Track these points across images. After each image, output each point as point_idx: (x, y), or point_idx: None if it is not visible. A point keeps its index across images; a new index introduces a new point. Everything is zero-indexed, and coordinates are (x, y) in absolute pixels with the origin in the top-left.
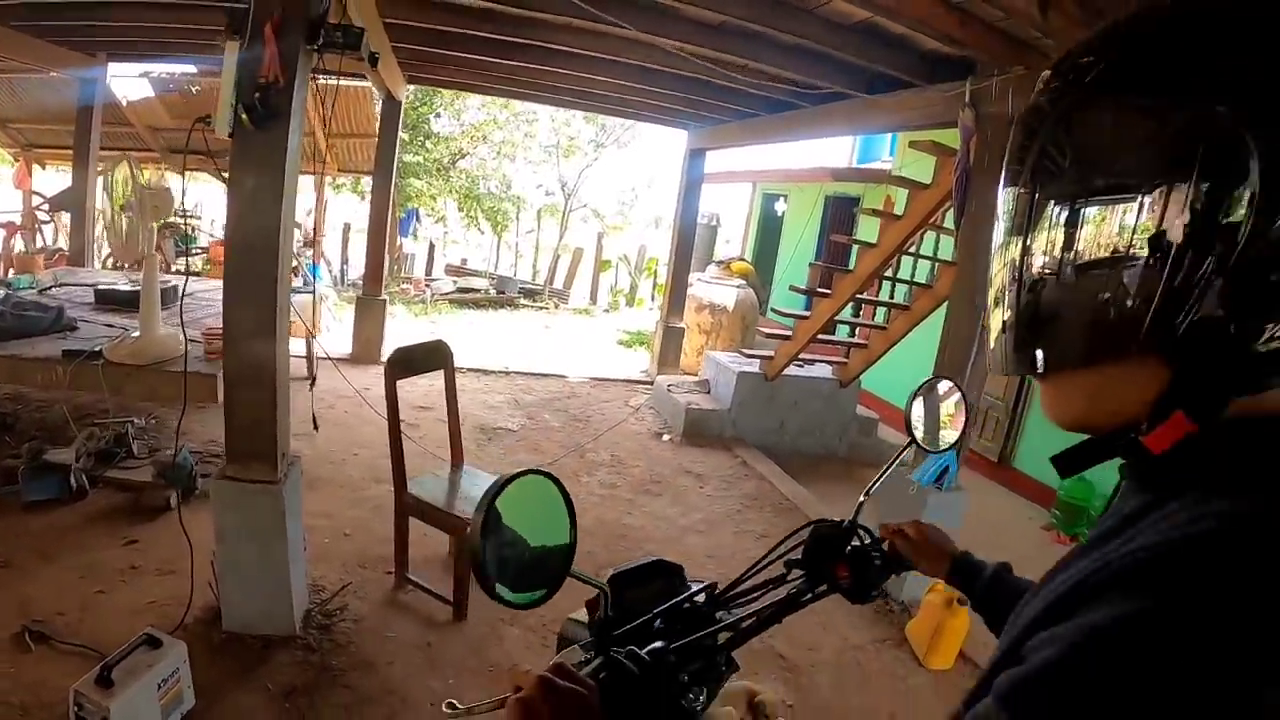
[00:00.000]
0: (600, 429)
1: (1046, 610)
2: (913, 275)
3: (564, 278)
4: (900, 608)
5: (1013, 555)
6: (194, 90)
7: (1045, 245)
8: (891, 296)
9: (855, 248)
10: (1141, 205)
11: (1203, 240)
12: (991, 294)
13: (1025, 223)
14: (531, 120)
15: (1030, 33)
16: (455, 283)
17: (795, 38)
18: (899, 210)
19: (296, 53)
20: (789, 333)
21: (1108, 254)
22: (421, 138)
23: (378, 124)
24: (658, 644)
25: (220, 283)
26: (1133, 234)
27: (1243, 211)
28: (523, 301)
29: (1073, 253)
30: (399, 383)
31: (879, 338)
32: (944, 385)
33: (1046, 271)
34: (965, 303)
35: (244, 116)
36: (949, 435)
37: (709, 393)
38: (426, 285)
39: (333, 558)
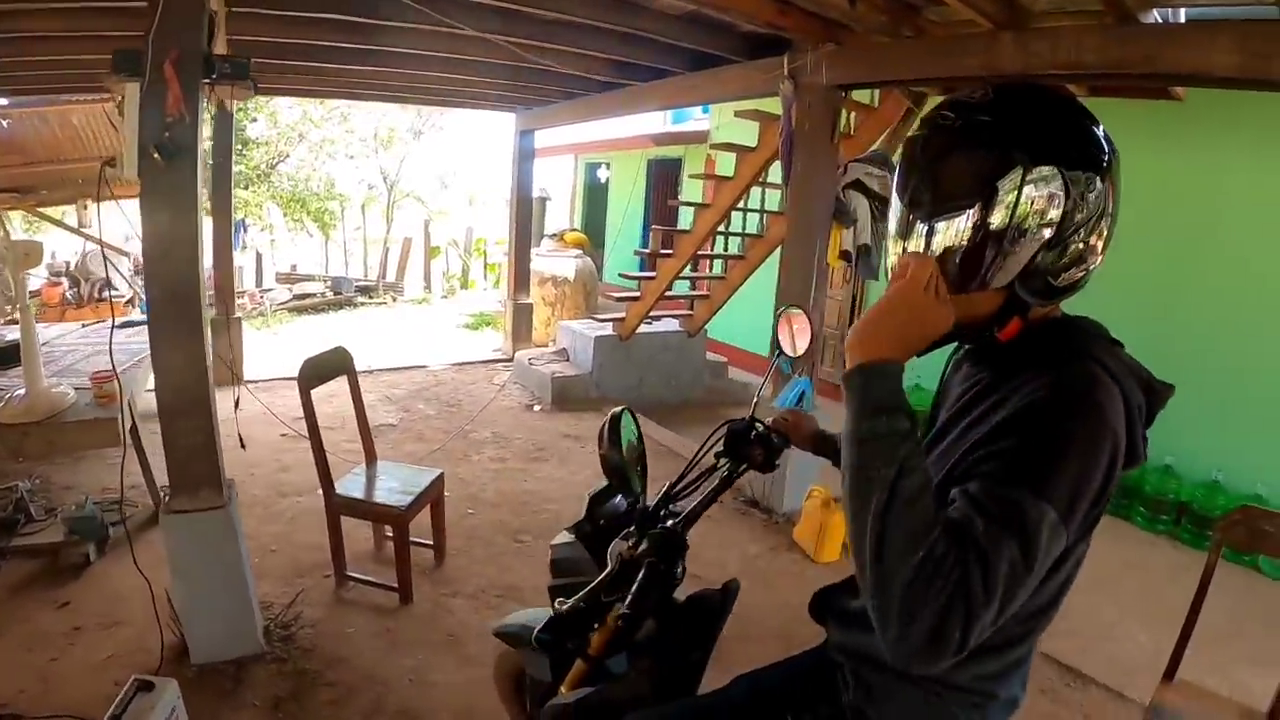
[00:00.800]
0: (474, 410)
1: (979, 441)
2: (744, 227)
3: (395, 270)
4: (784, 519)
5: None
6: (3, 124)
7: (948, 226)
8: (726, 249)
9: (693, 209)
10: (996, 204)
11: (1023, 227)
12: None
13: (939, 209)
14: (347, 115)
15: (841, 13)
16: (290, 290)
17: (627, 28)
18: (720, 170)
19: (197, 87)
20: (637, 294)
21: (978, 237)
22: (239, 145)
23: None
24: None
25: (69, 325)
26: (984, 222)
27: (1054, 212)
28: (360, 300)
29: (969, 229)
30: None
31: (720, 287)
32: (794, 310)
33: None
34: (800, 246)
35: (156, 155)
36: (801, 344)
37: (569, 360)
38: (262, 296)
39: (268, 574)
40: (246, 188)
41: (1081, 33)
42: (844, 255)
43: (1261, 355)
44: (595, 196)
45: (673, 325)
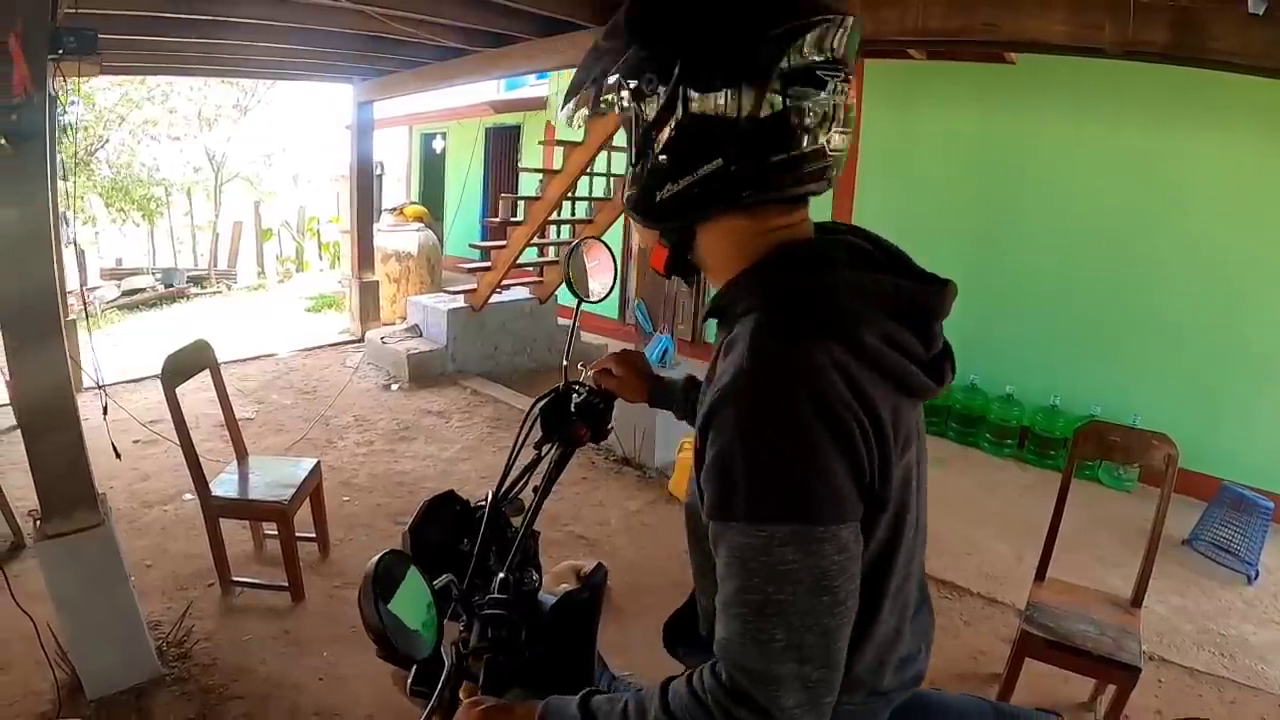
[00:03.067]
0: (330, 395)
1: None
2: (590, 192)
3: (227, 256)
4: (657, 474)
5: None
6: None
7: None
8: (574, 214)
9: (540, 175)
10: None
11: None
12: None
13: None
14: (168, 94)
15: None
16: (118, 286)
17: None
18: (562, 136)
19: (44, 65)
20: (488, 264)
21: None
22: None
23: None
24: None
25: None
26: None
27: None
28: (194, 290)
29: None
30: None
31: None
32: (592, 241)
33: None
34: None
35: (3, 142)
36: (600, 285)
37: (422, 336)
38: (88, 295)
39: (150, 591)
40: (65, 178)
41: (928, 1)
42: None
43: (1083, 287)
44: (432, 168)
45: (523, 294)
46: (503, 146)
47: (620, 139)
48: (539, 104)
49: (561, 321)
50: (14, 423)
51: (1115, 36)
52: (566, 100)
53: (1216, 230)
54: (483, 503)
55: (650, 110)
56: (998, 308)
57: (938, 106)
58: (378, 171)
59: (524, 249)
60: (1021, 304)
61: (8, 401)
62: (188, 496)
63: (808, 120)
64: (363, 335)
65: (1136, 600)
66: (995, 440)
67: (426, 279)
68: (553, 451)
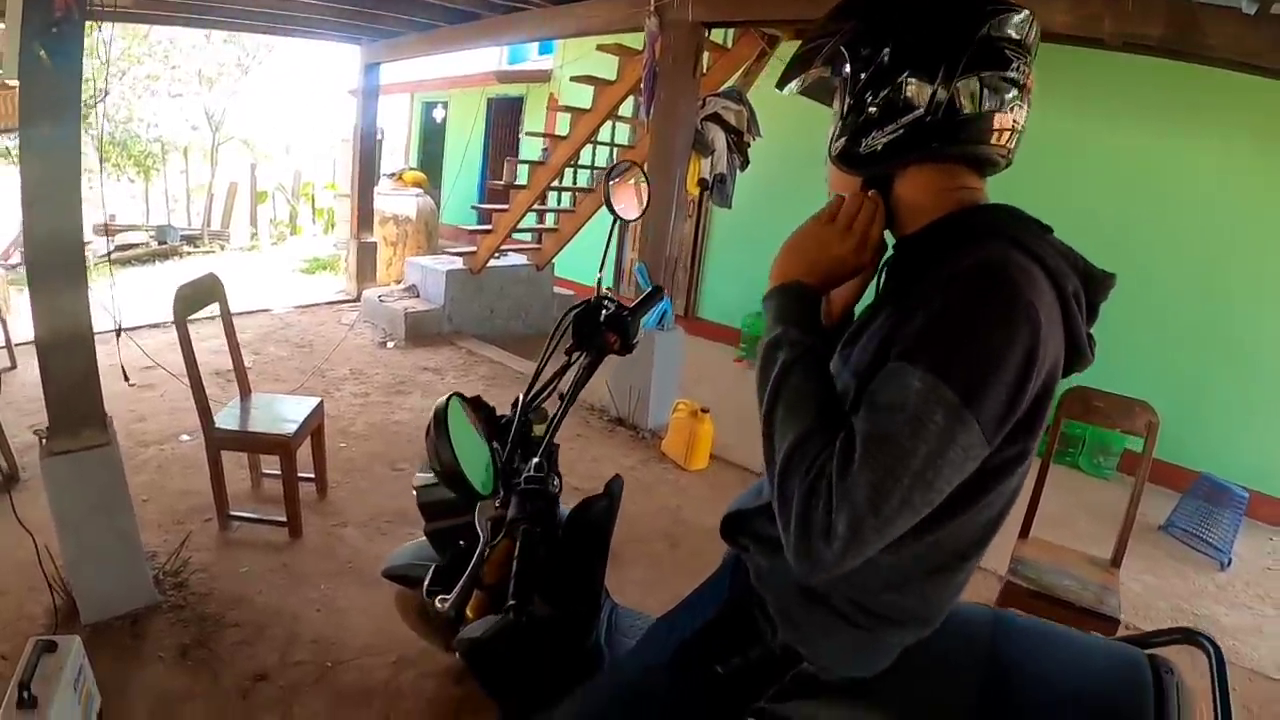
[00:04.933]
0: (327, 350)
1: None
2: (593, 162)
3: (221, 217)
4: (650, 434)
5: (719, 386)
6: None
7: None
8: (575, 183)
9: (545, 140)
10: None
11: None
12: None
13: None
14: (169, 52)
15: None
16: (111, 242)
17: None
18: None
19: None
20: (489, 228)
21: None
22: None
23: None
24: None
25: None
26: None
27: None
28: (186, 249)
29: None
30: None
31: (568, 220)
32: (624, 166)
33: None
34: (661, 174)
35: (42, 54)
36: (632, 209)
37: (419, 296)
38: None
39: (147, 525)
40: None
41: None
42: (702, 184)
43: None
44: (432, 136)
45: (520, 260)
46: (505, 118)
47: (625, 109)
48: (543, 76)
49: (558, 290)
50: (8, 364)
51: (1114, 28)
52: (792, 74)
53: (1208, 227)
54: (506, 414)
55: (867, 74)
56: None
57: None
58: (377, 137)
59: (525, 213)
60: None
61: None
62: (184, 437)
63: (992, 90)
64: (359, 295)
65: (1116, 561)
66: None
67: (423, 244)
68: (582, 359)
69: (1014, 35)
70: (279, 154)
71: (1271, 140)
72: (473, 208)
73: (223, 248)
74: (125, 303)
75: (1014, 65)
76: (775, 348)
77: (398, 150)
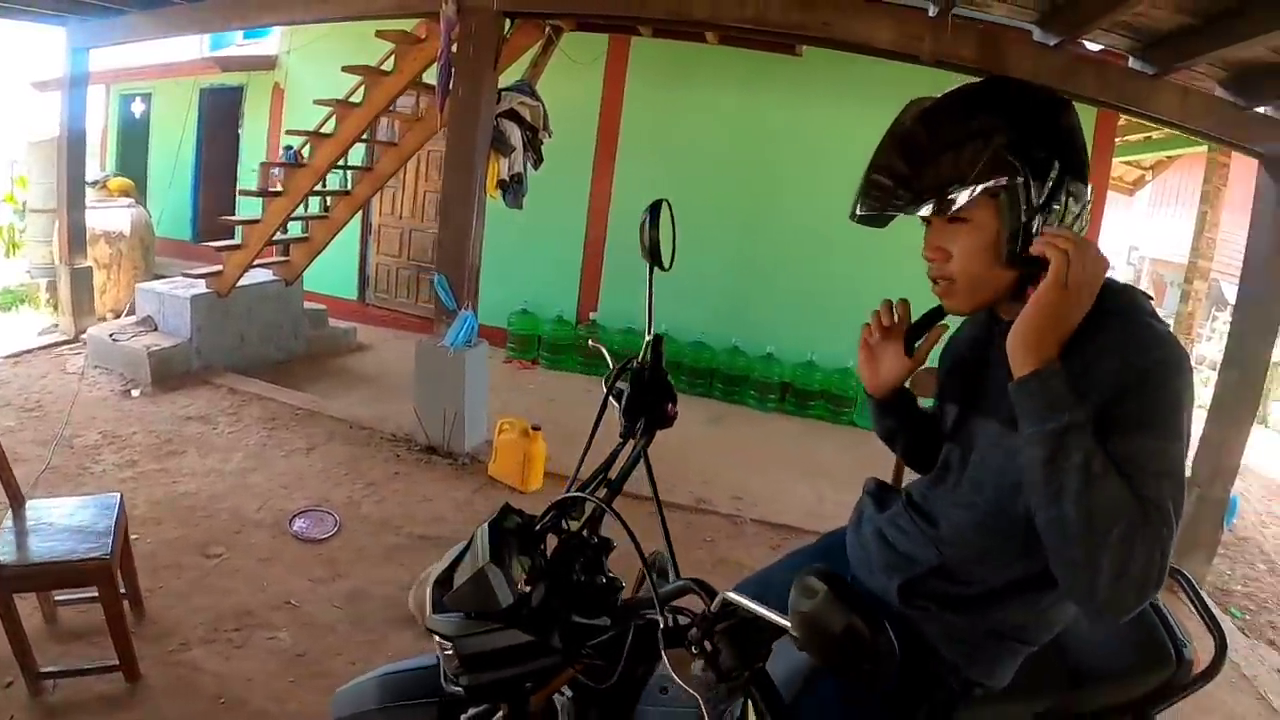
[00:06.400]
0: (62, 410)
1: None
2: (345, 161)
3: None
4: (469, 460)
5: (496, 386)
6: None
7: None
8: (324, 186)
9: (307, 140)
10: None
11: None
12: None
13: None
14: None
15: None
16: None
17: None
18: (290, 97)
19: None
20: (236, 242)
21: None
22: None
23: None
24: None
25: None
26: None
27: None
28: None
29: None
30: None
31: (321, 228)
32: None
33: None
34: (461, 176)
35: None
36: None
37: (158, 329)
38: None
39: None
40: None
41: None
42: (501, 185)
43: (838, 262)
44: (132, 134)
45: (266, 275)
46: (221, 110)
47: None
48: (267, 63)
49: (309, 305)
50: None
51: (933, 48)
52: (949, 193)
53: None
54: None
55: (1041, 182)
56: (758, 276)
57: (707, 88)
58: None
59: (284, 222)
60: (780, 272)
61: None
62: None
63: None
64: (79, 334)
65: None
66: (759, 396)
67: (141, 264)
68: (640, 438)
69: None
70: None
71: None
72: (221, 220)
73: None
74: None
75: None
76: (1084, 427)
77: (92, 153)
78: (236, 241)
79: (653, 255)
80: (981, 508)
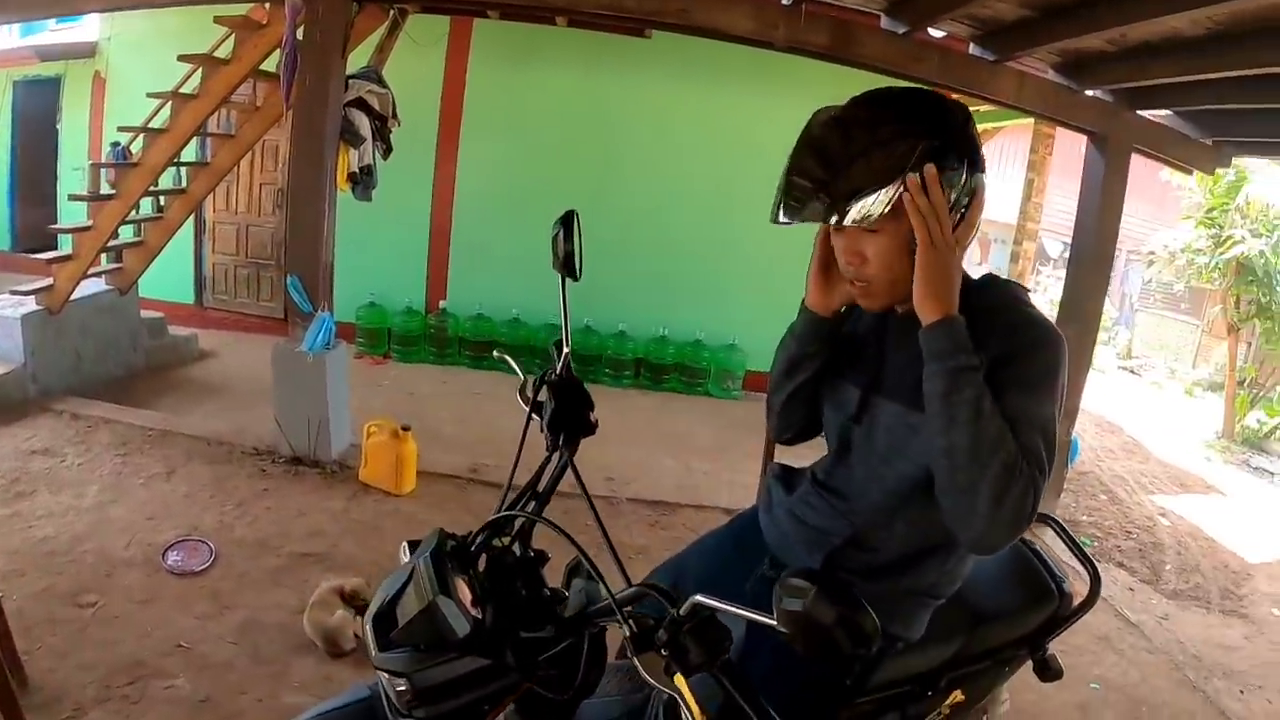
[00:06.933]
0: None
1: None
2: (178, 158)
3: None
4: (338, 467)
5: (350, 384)
6: None
7: None
8: (157, 185)
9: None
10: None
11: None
12: None
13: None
14: None
15: None
16: None
17: None
18: (112, 87)
19: None
20: (66, 253)
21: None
22: None
23: None
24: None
25: None
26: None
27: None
28: None
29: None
30: None
31: (156, 230)
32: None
33: None
34: (311, 170)
35: None
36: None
37: None
38: None
39: None
40: None
41: None
42: (352, 177)
43: (685, 240)
44: None
45: (99, 285)
46: (37, 105)
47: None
48: (86, 50)
49: (145, 314)
50: None
51: (787, 35)
52: (865, 194)
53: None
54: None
55: (958, 179)
56: (607, 255)
57: (552, 69)
58: None
59: (119, 226)
60: (629, 250)
61: None
62: None
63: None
64: None
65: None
66: (614, 373)
67: None
68: (561, 451)
69: None
70: None
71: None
72: (50, 229)
73: None
74: None
75: None
76: (978, 370)
77: None
78: (67, 251)
79: (566, 267)
80: (889, 480)
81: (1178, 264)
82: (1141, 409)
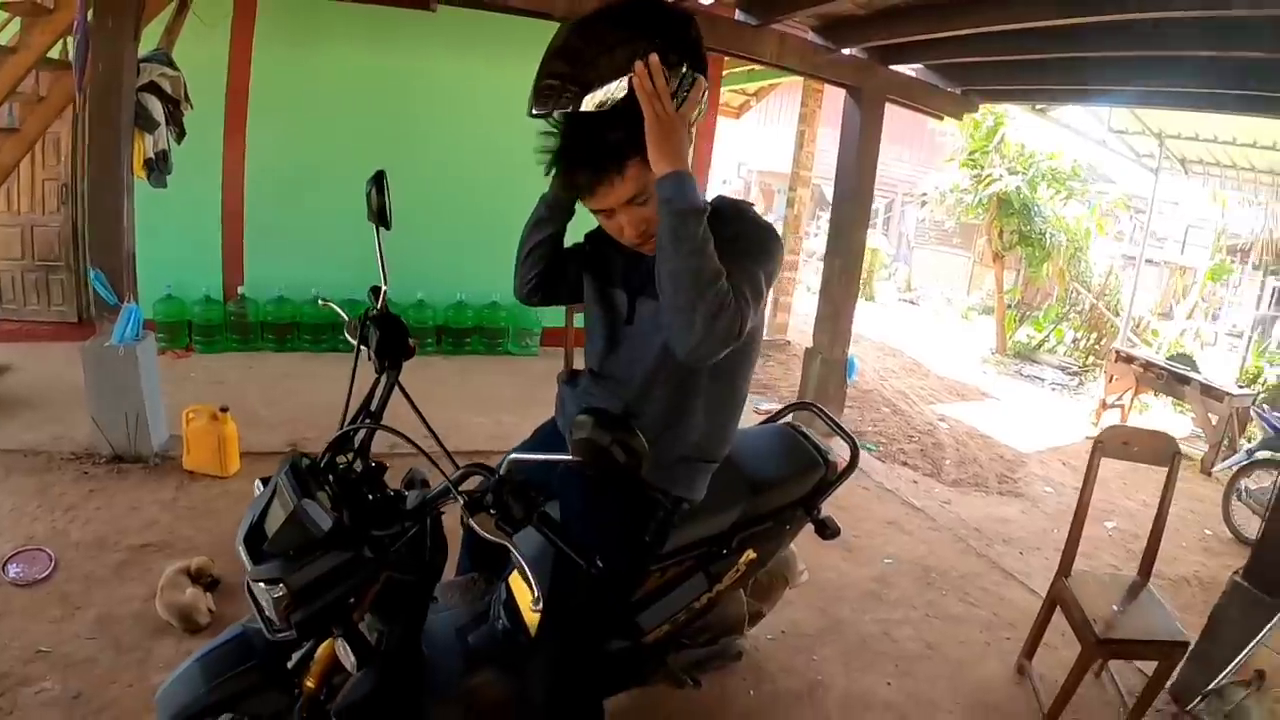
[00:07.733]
0: None
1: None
2: None
3: None
4: (162, 459)
5: (186, 381)
6: None
7: None
8: None
9: None
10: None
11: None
12: None
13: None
14: None
15: None
16: None
17: None
18: None
19: None
20: None
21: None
22: None
23: None
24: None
25: None
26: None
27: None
28: None
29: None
30: None
31: None
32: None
33: None
34: (106, 161)
35: None
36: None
37: None
38: None
39: None
40: None
41: None
42: (148, 164)
43: (478, 206)
44: None
45: None
46: None
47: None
48: None
49: None
50: None
51: (565, 6)
52: (594, 87)
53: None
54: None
55: (682, 76)
56: (401, 226)
57: (338, 44)
58: None
59: None
60: (423, 219)
61: None
62: None
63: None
64: None
65: None
66: (416, 342)
67: None
68: (388, 372)
69: None
70: None
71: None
72: None
73: None
74: None
75: None
76: (701, 214)
77: None
78: None
79: (380, 218)
80: (649, 359)
81: (947, 203)
82: (922, 335)
